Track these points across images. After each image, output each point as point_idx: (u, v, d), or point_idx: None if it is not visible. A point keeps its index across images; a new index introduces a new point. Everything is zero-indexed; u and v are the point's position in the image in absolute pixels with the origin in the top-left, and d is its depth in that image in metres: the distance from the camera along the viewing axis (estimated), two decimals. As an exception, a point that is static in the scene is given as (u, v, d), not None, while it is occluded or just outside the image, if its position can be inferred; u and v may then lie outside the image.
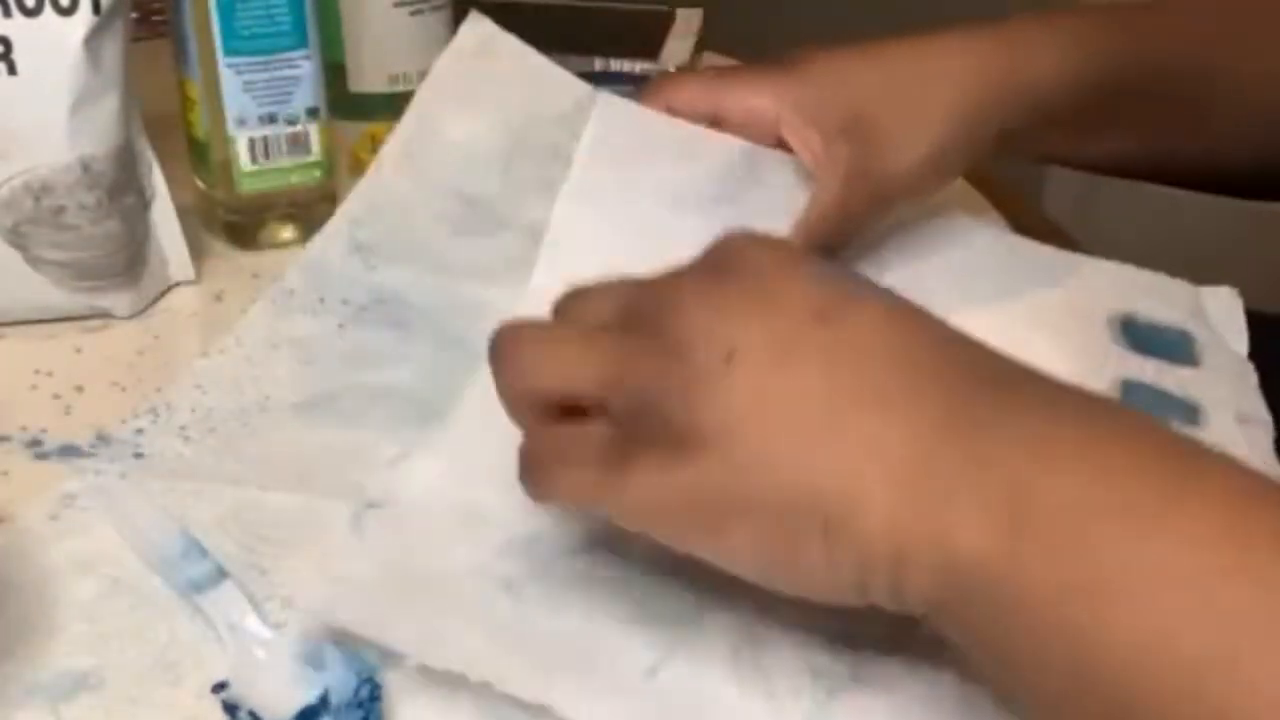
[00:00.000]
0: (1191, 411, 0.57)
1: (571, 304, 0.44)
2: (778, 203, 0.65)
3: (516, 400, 0.42)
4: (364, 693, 0.40)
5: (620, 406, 0.38)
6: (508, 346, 0.43)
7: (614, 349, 0.40)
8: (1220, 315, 0.63)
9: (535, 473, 0.41)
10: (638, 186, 0.67)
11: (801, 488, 0.36)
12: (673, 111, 0.64)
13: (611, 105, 0.69)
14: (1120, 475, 0.34)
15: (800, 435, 0.36)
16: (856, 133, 0.60)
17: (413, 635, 0.41)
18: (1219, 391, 0.58)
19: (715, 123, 0.63)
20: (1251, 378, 0.60)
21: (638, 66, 0.90)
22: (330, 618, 0.41)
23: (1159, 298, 0.64)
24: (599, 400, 0.39)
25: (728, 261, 0.40)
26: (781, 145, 0.63)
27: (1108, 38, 0.61)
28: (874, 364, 0.37)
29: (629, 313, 0.41)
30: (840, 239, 0.61)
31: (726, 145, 0.67)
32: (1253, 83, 0.63)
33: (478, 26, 0.76)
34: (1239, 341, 0.62)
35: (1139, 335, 0.62)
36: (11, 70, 0.59)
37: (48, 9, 0.59)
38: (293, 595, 0.43)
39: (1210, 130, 0.65)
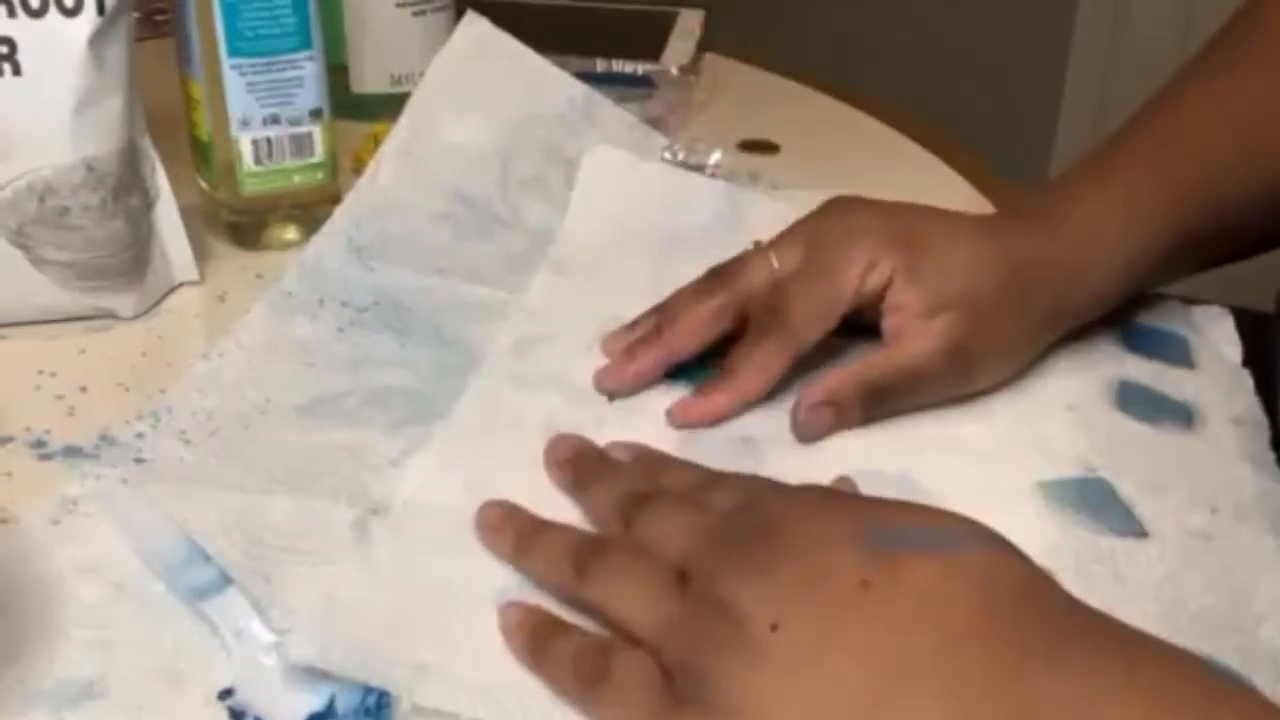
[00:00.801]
0: (1186, 414, 0.57)
1: (647, 518, 0.46)
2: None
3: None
4: (371, 700, 0.40)
5: (672, 658, 0.40)
6: (596, 558, 0.45)
7: (677, 603, 0.41)
8: (1212, 331, 0.64)
9: (588, 689, 0.41)
10: (629, 230, 0.69)
11: None
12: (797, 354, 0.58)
13: (600, 154, 0.71)
14: None
15: (844, 706, 0.37)
16: (966, 315, 0.56)
17: (406, 673, 0.41)
18: (1215, 394, 0.59)
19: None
20: (1247, 381, 0.60)
21: (639, 67, 0.90)
22: (322, 661, 0.41)
23: (1153, 309, 0.65)
24: (652, 642, 0.41)
25: (782, 528, 0.41)
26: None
27: (1156, 224, 0.59)
28: (913, 639, 0.37)
29: (700, 560, 0.42)
30: (895, 409, 0.57)
31: (709, 188, 0.70)
32: None
33: (474, 27, 0.76)
34: (1233, 355, 0.62)
35: (1137, 336, 0.62)
36: (16, 71, 0.59)
37: (52, 10, 0.59)
38: (284, 638, 0.43)
39: (1252, 236, 0.64)
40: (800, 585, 0.39)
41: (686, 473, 0.50)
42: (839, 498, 0.45)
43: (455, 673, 0.42)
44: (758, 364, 0.57)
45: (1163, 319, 0.64)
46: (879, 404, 0.56)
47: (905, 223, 0.58)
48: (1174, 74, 0.65)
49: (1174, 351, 0.61)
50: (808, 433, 0.55)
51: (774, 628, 0.38)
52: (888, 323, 0.57)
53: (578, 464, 0.51)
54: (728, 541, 0.42)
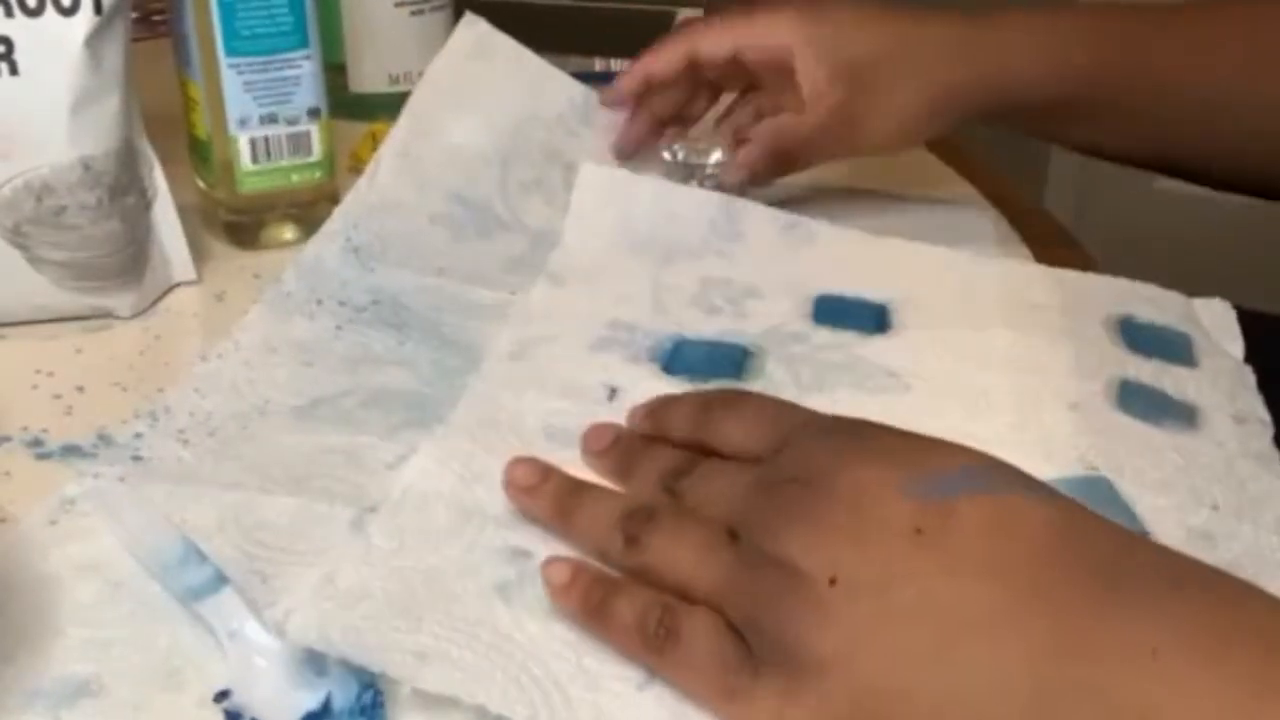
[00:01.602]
0: (1188, 413, 0.57)
1: (691, 484, 0.47)
2: (761, 254, 0.69)
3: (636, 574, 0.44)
4: (366, 699, 0.40)
5: (738, 615, 0.40)
6: (646, 524, 0.44)
7: (734, 561, 0.41)
8: (1214, 324, 0.63)
9: (659, 651, 0.41)
10: (626, 244, 0.69)
11: (920, 716, 0.36)
12: (697, 53, 0.71)
13: (593, 173, 0.71)
14: (1251, 685, 0.33)
15: (912, 666, 0.37)
16: (855, 82, 0.67)
17: (406, 658, 0.41)
18: (1216, 392, 0.58)
19: (735, 59, 0.70)
20: (1249, 379, 0.60)
21: (639, 66, 0.89)
22: (321, 643, 0.41)
23: (1154, 304, 0.64)
24: (719, 602, 0.41)
25: (823, 475, 0.41)
26: (788, 77, 0.69)
27: (1096, 45, 0.63)
28: (975, 585, 0.37)
29: (738, 515, 0.42)
30: (797, 161, 0.71)
31: (704, 199, 0.71)
32: (1256, 114, 0.64)
33: (473, 28, 0.76)
34: (1234, 349, 0.62)
35: (1137, 335, 0.62)
36: (13, 70, 0.59)
37: (49, 9, 0.59)
38: (284, 619, 0.42)
39: (1205, 148, 0.66)
40: (852, 537, 0.39)
41: (717, 420, 0.50)
42: (875, 440, 0.44)
43: (456, 658, 0.42)
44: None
45: (1164, 315, 0.64)
46: (784, 168, 0.72)
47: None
48: None
49: (1176, 349, 0.61)
50: (726, 188, 0.72)
51: (833, 581, 0.38)
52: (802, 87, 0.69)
53: (618, 451, 0.51)
54: (772, 497, 0.42)
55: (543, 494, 0.48)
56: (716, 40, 0.71)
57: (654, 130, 0.76)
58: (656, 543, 0.44)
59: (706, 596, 0.41)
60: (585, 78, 0.78)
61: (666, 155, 0.77)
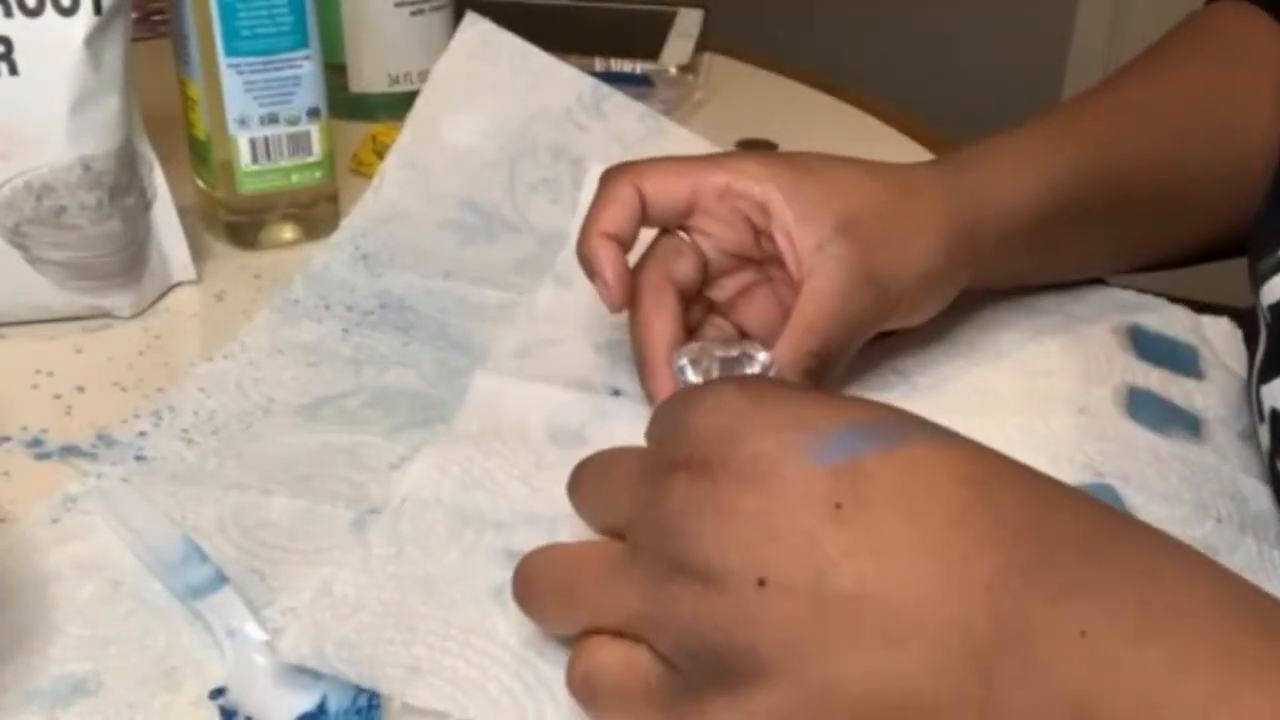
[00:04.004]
0: (1194, 424, 0.57)
1: (586, 493, 0.43)
2: None
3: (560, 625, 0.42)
4: (362, 700, 0.40)
5: (670, 648, 0.37)
6: (525, 589, 0.42)
7: (637, 582, 0.38)
8: (1220, 342, 0.63)
9: (594, 702, 0.39)
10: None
11: (871, 711, 0.35)
12: (644, 202, 0.56)
13: (600, 173, 0.70)
14: (1175, 662, 0.32)
15: (860, 658, 0.35)
16: (856, 233, 0.54)
17: (398, 672, 0.41)
18: (1222, 407, 0.58)
19: (690, 205, 0.56)
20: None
21: (638, 66, 0.90)
22: (315, 658, 0.41)
23: (1162, 317, 0.64)
24: (639, 634, 0.38)
25: (716, 451, 0.38)
26: (755, 237, 0.57)
27: (1061, 160, 0.59)
28: (905, 565, 0.35)
29: (637, 523, 0.39)
30: (836, 351, 0.54)
31: None
32: (1228, 177, 0.63)
33: (475, 27, 0.76)
34: (1240, 369, 0.62)
35: (1146, 343, 0.62)
36: (13, 70, 0.59)
37: (49, 9, 0.59)
38: (278, 636, 0.43)
39: (1187, 228, 0.65)
40: (768, 527, 0.36)
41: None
42: (759, 402, 0.39)
43: (448, 669, 0.42)
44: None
45: (1172, 328, 0.64)
46: (824, 373, 0.54)
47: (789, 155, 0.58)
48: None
49: (1183, 361, 0.61)
50: None
51: (761, 583, 0.36)
52: (787, 258, 0.55)
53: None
54: (666, 491, 0.38)
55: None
56: (665, 182, 0.56)
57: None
58: (576, 588, 0.40)
59: (626, 630, 0.38)
60: (585, 78, 0.78)
61: (692, 375, 0.52)
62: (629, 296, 0.55)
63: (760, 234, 0.56)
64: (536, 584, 0.41)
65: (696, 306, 0.58)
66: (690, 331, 0.57)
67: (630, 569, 0.38)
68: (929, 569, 0.35)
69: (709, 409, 0.39)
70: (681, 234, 0.57)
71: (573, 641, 0.40)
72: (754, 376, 0.45)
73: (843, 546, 0.35)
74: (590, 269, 0.55)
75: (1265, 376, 0.52)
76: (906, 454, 0.37)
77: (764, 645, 0.35)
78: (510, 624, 0.44)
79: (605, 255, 0.55)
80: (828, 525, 0.36)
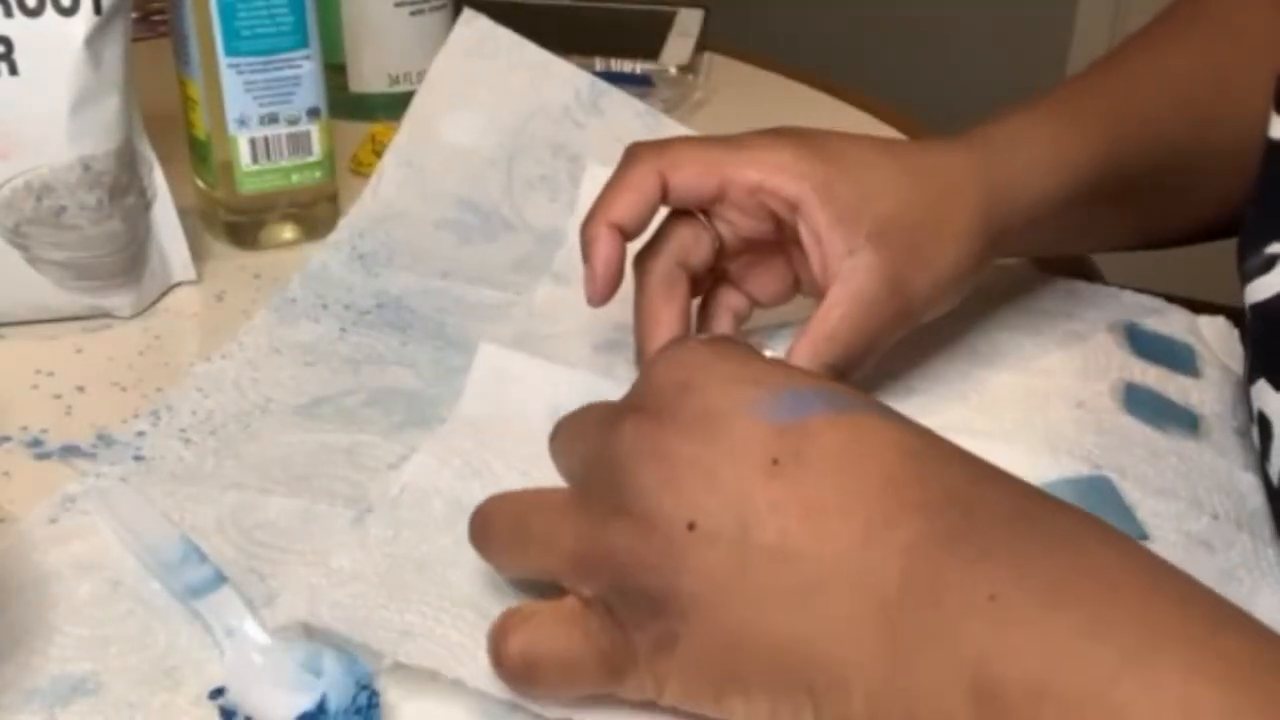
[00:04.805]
0: (1192, 420, 0.57)
1: (559, 443, 0.44)
2: None
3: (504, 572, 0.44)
4: (362, 699, 0.40)
5: (604, 588, 0.38)
6: (480, 528, 0.43)
7: (583, 524, 0.39)
8: (1217, 342, 0.63)
9: (536, 675, 0.40)
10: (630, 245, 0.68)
11: (781, 663, 0.36)
12: (667, 192, 0.54)
13: (599, 173, 0.70)
14: (1084, 626, 0.32)
15: (775, 610, 0.36)
16: (888, 242, 0.52)
17: (390, 634, 0.42)
18: (1219, 403, 0.58)
19: (717, 197, 0.54)
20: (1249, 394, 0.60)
21: (638, 66, 0.90)
22: (310, 617, 0.42)
23: (1160, 316, 0.64)
24: (572, 583, 0.39)
25: (669, 400, 0.39)
26: (779, 226, 0.55)
27: (1085, 142, 0.57)
28: (832, 523, 0.36)
29: (588, 467, 0.40)
30: (855, 364, 0.53)
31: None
32: (1227, 154, 0.63)
33: (472, 24, 0.76)
34: (1237, 368, 0.62)
35: (1143, 341, 0.62)
36: (13, 70, 0.59)
37: (49, 9, 0.59)
38: (275, 596, 0.43)
39: (1190, 206, 0.65)
40: (706, 475, 0.37)
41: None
42: (720, 357, 0.41)
43: (440, 636, 0.42)
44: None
45: (1169, 327, 0.64)
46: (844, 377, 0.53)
47: (821, 141, 0.55)
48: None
49: (1180, 359, 0.61)
50: None
51: (691, 526, 0.37)
52: (813, 258, 0.53)
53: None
54: (617, 435, 0.39)
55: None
56: (695, 176, 0.54)
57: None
58: (507, 537, 0.42)
59: (564, 578, 0.40)
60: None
61: None
62: (610, 295, 0.54)
63: (784, 224, 0.55)
64: (491, 524, 0.43)
65: (706, 275, 0.57)
66: (698, 299, 0.57)
67: (576, 510, 0.40)
68: (851, 527, 0.36)
69: (670, 360, 0.41)
70: (699, 215, 0.56)
71: (493, 632, 0.40)
72: (723, 336, 0.45)
73: (772, 500, 0.36)
74: (585, 256, 0.54)
75: (1252, 378, 0.52)
76: (852, 420, 0.38)
77: (686, 587, 0.36)
78: (504, 603, 0.44)
79: (603, 247, 0.53)
80: (760, 478, 0.37)
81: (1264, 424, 0.51)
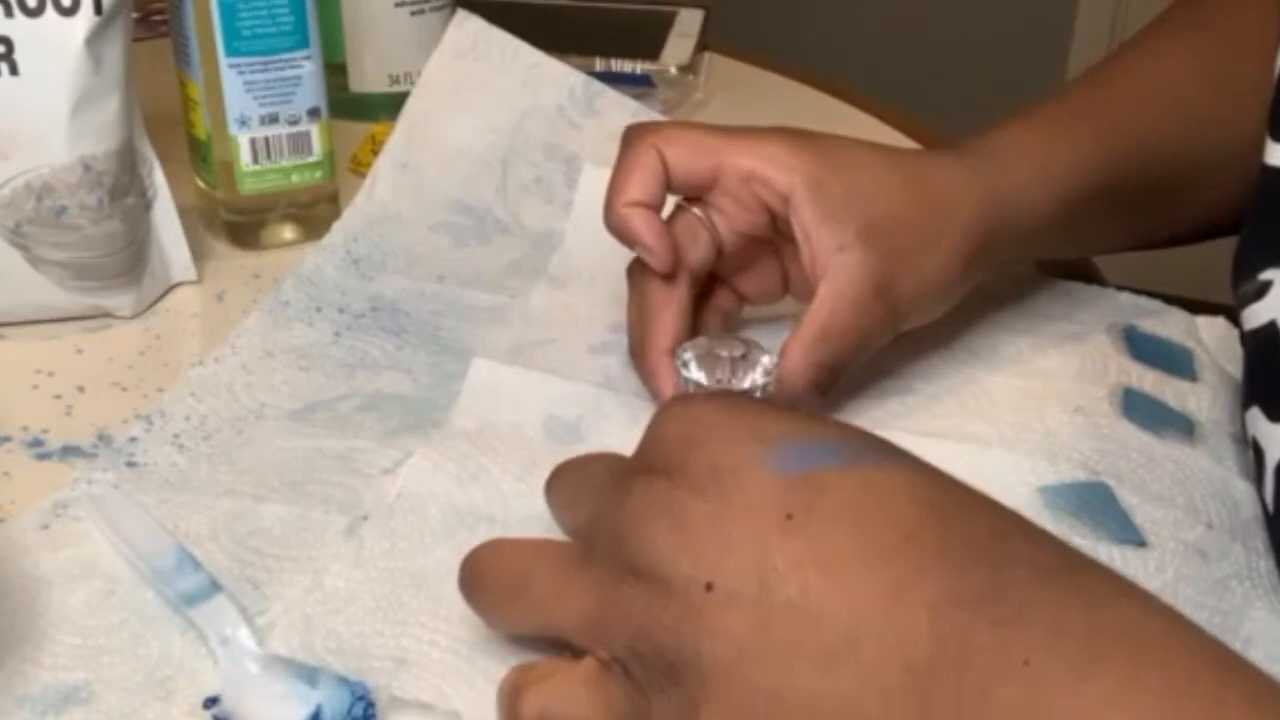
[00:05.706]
0: (1188, 425, 0.57)
1: (559, 494, 0.44)
2: None
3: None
4: (358, 711, 0.40)
5: (621, 651, 0.37)
6: (471, 579, 0.42)
7: (595, 585, 0.38)
8: (1216, 344, 0.63)
9: None
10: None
11: (813, 717, 0.35)
12: (667, 168, 0.55)
13: (596, 176, 0.69)
14: (1119, 691, 0.32)
15: (800, 670, 0.35)
16: (876, 242, 0.53)
17: (385, 664, 0.42)
18: (1216, 409, 0.58)
19: (711, 182, 0.55)
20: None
21: (638, 66, 0.90)
22: (303, 651, 0.42)
23: (1158, 319, 0.64)
24: (586, 643, 0.38)
25: (677, 456, 0.38)
26: (772, 220, 0.55)
27: (1079, 152, 0.58)
28: (852, 579, 0.35)
29: (595, 525, 0.39)
30: (846, 363, 0.54)
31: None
32: (1222, 156, 0.63)
33: (465, 25, 0.76)
34: (1234, 369, 0.62)
35: (1141, 345, 0.62)
36: (13, 70, 0.59)
37: (49, 9, 0.59)
38: (269, 628, 0.43)
39: (1186, 209, 0.65)
40: (719, 534, 0.36)
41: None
42: (728, 414, 0.40)
43: (436, 662, 0.42)
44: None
45: (1167, 329, 0.64)
46: (832, 386, 0.54)
47: (816, 142, 0.56)
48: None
49: (1178, 363, 0.61)
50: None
51: (709, 588, 0.35)
52: (803, 253, 0.54)
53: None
54: (626, 494, 0.38)
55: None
56: (688, 155, 0.55)
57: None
58: (528, 585, 0.40)
59: (574, 638, 0.38)
60: (585, 78, 0.78)
61: (695, 371, 0.51)
62: (674, 260, 0.55)
63: (777, 218, 0.55)
64: (486, 576, 0.41)
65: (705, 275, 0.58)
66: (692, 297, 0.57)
67: (585, 569, 0.38)
68: (873, 584, 0.35)
69: (677, 417, 0.40)
70: (696, 210, 0.56)
71: (507, 688, 0.39)
72: (731, 394, 0.45)
73: (790, 557, 0.35)
74: (628, 238, 0.54)
75: (1246, 404, 0.52)
76: (866, 473, 0.37)
77: (707, 650, 0.35)
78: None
79: (640, 221, 0.54)
80: (777, 535, 0.35)
81: (1258, 450, 0.51)
